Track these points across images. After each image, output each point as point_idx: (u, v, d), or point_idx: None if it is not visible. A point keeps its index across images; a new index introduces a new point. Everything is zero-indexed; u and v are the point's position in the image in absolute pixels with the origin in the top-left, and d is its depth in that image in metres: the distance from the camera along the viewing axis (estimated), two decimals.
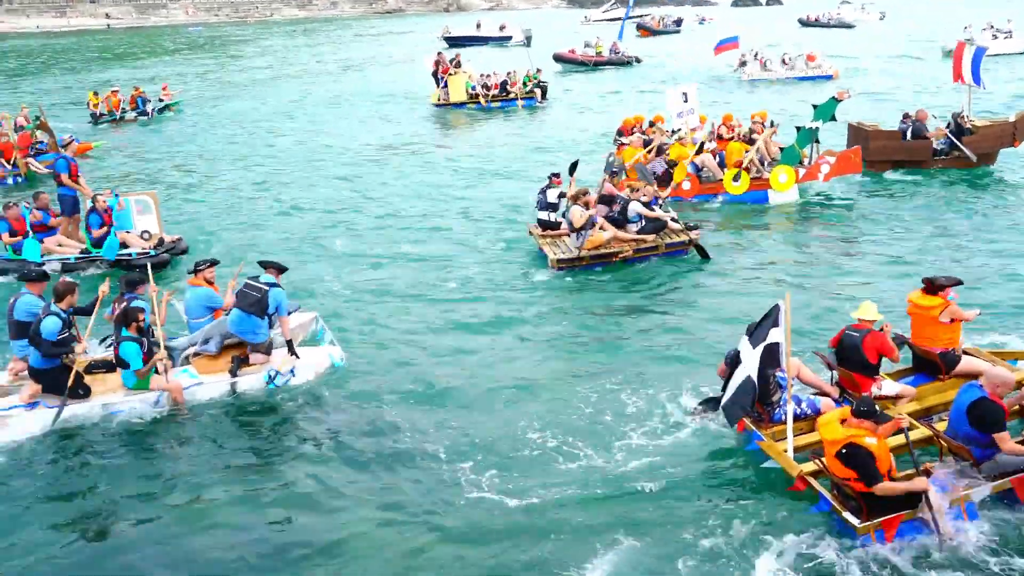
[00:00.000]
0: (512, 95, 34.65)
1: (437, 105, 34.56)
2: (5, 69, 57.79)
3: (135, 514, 7.83)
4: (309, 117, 33.43)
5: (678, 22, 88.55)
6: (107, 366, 9.68)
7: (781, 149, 18.99)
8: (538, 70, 36.03)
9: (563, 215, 15.32)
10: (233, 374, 9.94)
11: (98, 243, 14.22)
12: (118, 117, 32.17)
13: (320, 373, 10.21)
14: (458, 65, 35.66)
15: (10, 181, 21.41)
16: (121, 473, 8.46)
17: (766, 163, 18.95)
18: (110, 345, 9.92)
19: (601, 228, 14.37)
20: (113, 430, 9.13)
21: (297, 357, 10.17)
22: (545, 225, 15.41)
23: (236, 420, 9.46)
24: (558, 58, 49.74)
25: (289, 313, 10.58)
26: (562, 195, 15.48)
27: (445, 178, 21.89)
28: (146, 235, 14.54)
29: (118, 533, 7.61)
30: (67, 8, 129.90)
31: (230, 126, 30.94)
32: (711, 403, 9.21)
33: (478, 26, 70.82)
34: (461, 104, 34.42)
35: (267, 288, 9.99)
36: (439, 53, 37.14)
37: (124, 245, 14.33)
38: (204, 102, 35.71)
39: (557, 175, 15.97)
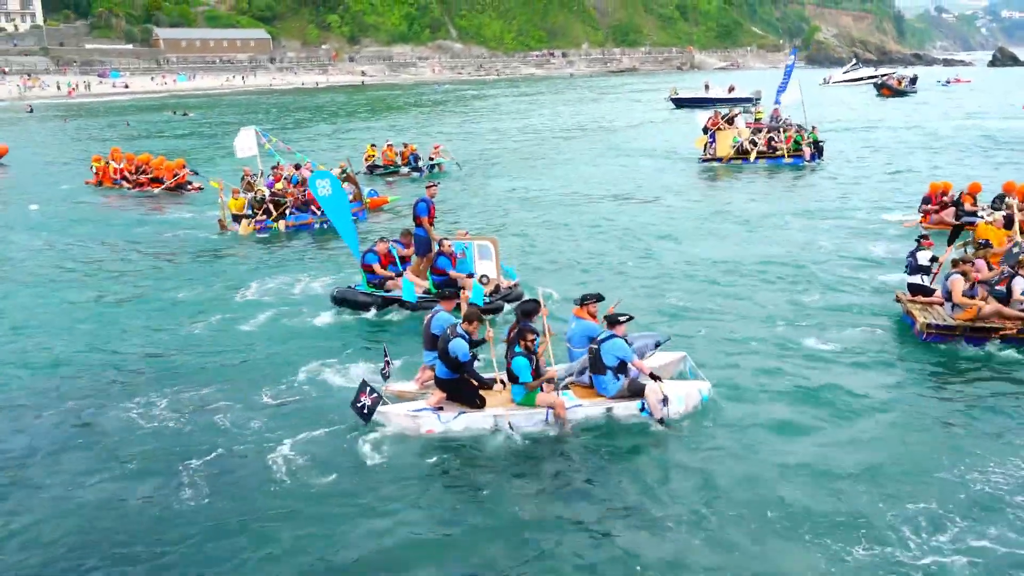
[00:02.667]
0: (779, 153, 32.98)
1: (703, 160, 33.88)
2: (283, 119, 63.98)
3: (514, 510, 8.58)
4: (571, 170, 33.54)
5: (913, 81, 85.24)
6: (501, 383, 10.50)
7: None
8: (813, 128, 33.98)
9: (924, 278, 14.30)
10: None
11: (440, 285, 14.35)
12: (393, 170, 32.38)
13: (690, 406, 10.44)
14: (730, 121, 34.90)
15: (316, 227, 22.35)
16: (500, 471, 9.30)
17: None
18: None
19: (983, 299, 13.08)
20: (502, 437, 9.98)
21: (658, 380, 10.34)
22: (915, 290, 14.27)
23: (610, 443, 9.88)
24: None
25: (657, 345, 10.87)
26: (934, 259, 14.36)
27: (735, 237, 20.93)
28: (484, 279, 14.54)
29: (502, 525, 8.35)
30: (329, 67, 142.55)
31: (511, 184, 30.66)
32: None
33: (706, 87, 70.25)
34: (727, 159, 33.36)
35: (597, 347, 10.26)
36: (715, 111, 36.81)
37: (463, 288, 14.10)
38: (466, 158, 36.48)
39: (927, 237, 14.76)
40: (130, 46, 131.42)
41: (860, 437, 10.00)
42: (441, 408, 10.17)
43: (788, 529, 8.14)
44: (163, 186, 28.76)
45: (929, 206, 20.46)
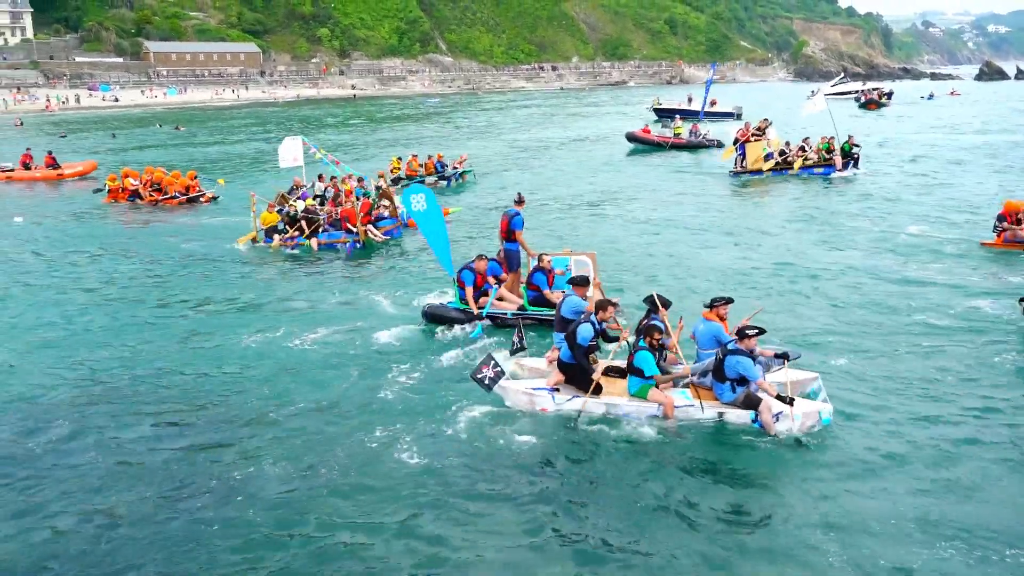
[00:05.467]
0: (809, 162, 32.77)
1: (734, 173, 33.70)
2: (285, 132, 63.76)
3: (600, 498, 8.79)
4: (590, 180, 33.35)
5: (890, 95, 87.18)
6: (619, 372, 10.73)
7: None
8: (848, 137, 33.46)
9: None
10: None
11: (535, 301, 14.05)
12: (419, 181, 31.22)
13: (807, 426, 10.19)
14: (761, 132, 34.50)
15: (348, 246, 21.52)
16: (603, 457, 9.53)
17: None
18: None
19: None
20: (611, 425, 10.23)
21: (789, 404, 10.03)
22: None
23: (717, 446, 9.90)
24: (631, 138, 46.05)
25: (786, 360, 10.74)
26: None
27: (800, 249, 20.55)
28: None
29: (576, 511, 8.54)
30: (319, 80, 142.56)
31: (539, 193, 30.08)
32: None
33: (689, 100, 70.80)
34: (757, 171, 33.12)
35: (723, 356, 10.22)
36: (746, 123, 36.48)
37: (554, 305, 13.53)
38: (489, 170, 36.36)
39: None
40: (120, 59, 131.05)
41: (974, 480, 9.33)
42: (558, 390, 10.50)
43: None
44: (176, 200, 28.71)
45: (1005, 223, 20.21)
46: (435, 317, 14.38)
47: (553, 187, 31.49)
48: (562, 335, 10.72)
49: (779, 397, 9.92)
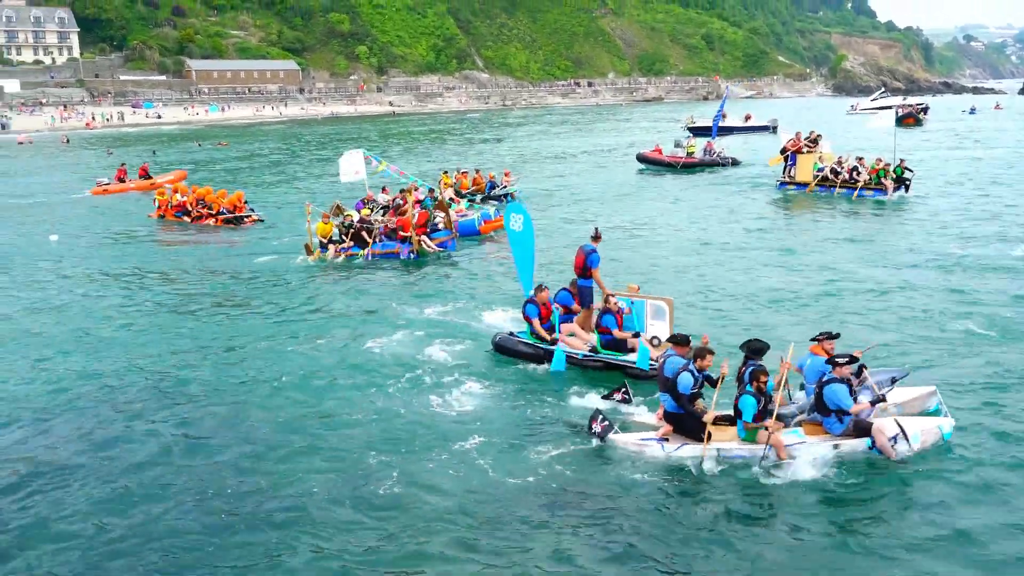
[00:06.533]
0: (860, 184, 31.16)
1: (782, 183, 32.88)
2: (329, 147, 64.51)
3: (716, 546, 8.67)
4: (622, 200, 32.78)
5: (926, 110, 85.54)
6: (729, 420, 10.70)
7: None
8: (901, 161, 31.62)
9: None
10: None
11: (607, 345, 13.53)
12: (469, 197, 30.89)
13: (928, 443, 10.06)
14: (813, 142, 33.38)
15: (402, 256, 21.77)
16: (713, 502, 9.55)
17: None
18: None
19: None
20: (721, 470, 10.19)
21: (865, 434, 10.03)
22: None
23: (831, 481, 9.69)
24: (641, 158, 44.22)
25: (894, 380, 10.56)
26: None
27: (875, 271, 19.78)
28: (656, 341, 13.45)
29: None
30: (356, 97, 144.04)
31: (571, 215, 29.64)
32: None
33: (724, 116, 70.61)
34: (804, 184, 32.12)
35: (820, 389, 10.18)
36: (797, 132, 35.34)
37: (632, 350, 13.43)
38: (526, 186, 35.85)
39: None
40: (163, 77, 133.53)
41: None
42: (667, 439, 10.68)
43: None
44: (223, 218, 28.76)
45: None
46: (503, 349, 14.11)
47: (587, 209, 31.14)
48: (666, 394, 10.79)
49: (858, 423, 9.90)
